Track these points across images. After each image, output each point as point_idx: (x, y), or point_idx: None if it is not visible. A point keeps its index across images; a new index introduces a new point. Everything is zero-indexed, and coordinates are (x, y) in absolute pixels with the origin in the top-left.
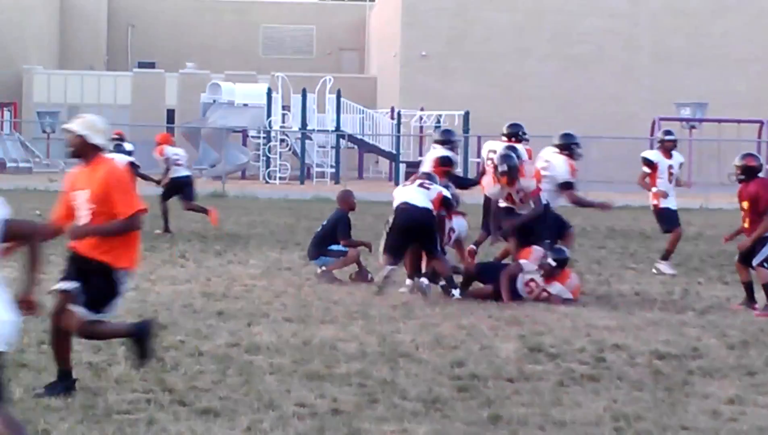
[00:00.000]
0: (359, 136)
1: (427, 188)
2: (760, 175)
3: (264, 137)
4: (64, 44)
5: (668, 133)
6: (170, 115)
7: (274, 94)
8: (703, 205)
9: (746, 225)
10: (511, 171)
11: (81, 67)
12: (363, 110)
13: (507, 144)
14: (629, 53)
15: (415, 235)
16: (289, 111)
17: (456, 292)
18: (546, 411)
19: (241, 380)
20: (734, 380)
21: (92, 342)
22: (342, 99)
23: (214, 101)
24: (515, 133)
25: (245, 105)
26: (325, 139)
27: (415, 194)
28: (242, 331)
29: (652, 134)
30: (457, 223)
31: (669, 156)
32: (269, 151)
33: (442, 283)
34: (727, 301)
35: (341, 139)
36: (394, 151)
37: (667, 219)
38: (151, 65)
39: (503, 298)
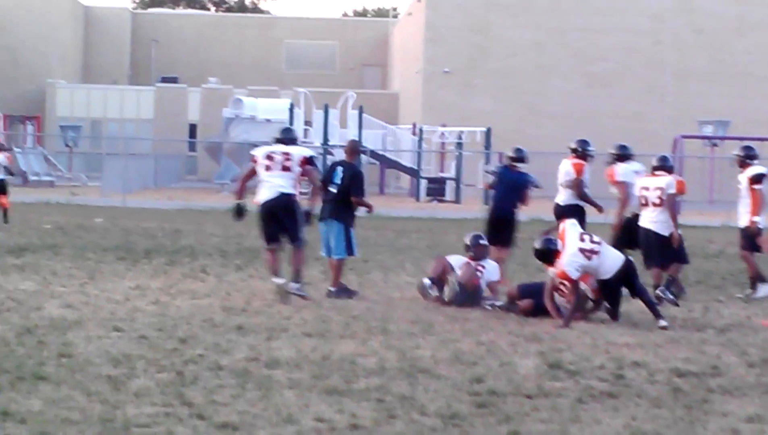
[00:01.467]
0: (381, 152)
1: None
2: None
3: None
4: (88, 59)
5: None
6: (192, 129)
7: (296, 110)
8: (724, 222)
9: None
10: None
11: (104, 81)
12: (385, 126)
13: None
14: (652, 71)
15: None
16: (311, 126)
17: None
18: (565, 428)
19: (260, 395)
20: (754, 398)
21: (111, 355)
22: (364, 114)
23: (237, 116)
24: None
25: (267, 120)
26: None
27: None
28: (261, 346)
29: (674, 152)
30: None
31: None
32: None
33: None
34: (748, 319)
35: (363, 155)
36: (415, 167)
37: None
38: (174, 80)
39: (552, 315)
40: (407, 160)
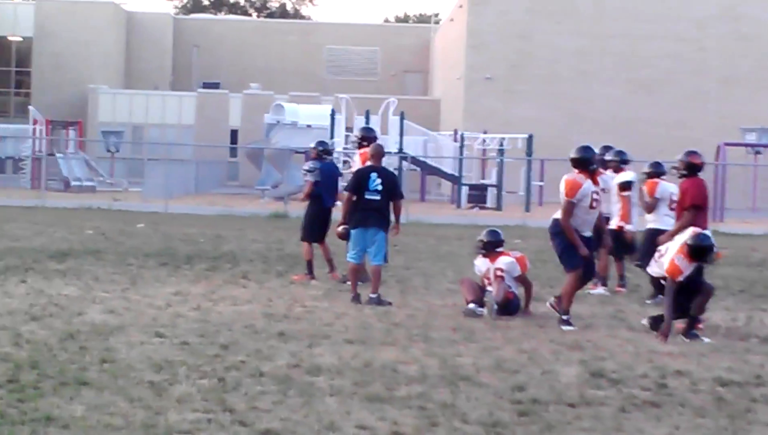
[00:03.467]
0: (422, 158)
1: None
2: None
3: None
4: (130, 64)
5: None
6: (234, 135)
7: (337, 116)
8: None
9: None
10: None
11: (146, 87)
12: (426, 132)
13: None
14: (695, 78)
15: None
16: (352, 132)
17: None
18: None
19: (302, 401)
20: None
21: (153, 361)
22: (405, 121)
23: (278, 122)
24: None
25: (309, 126)
26: (388, 160)
27: None
28: (303, 352)
29: (716, 159)
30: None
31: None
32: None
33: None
34: None
35: (404, 161)
36: (456, 174)
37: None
38: (216, 85)
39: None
40: (448, 167)
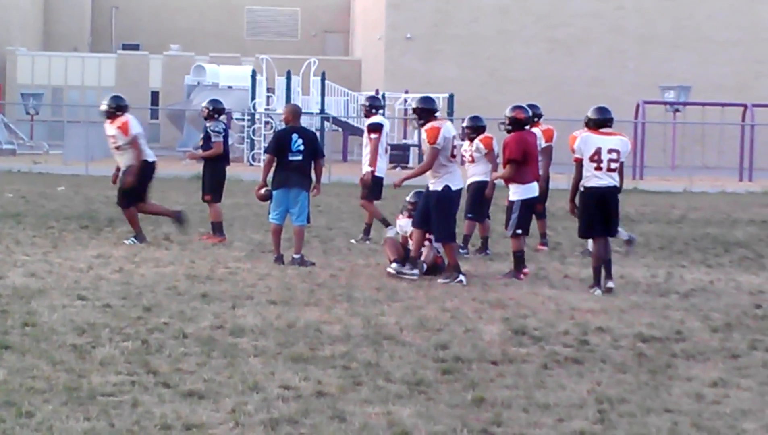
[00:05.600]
0: (344, 119)
1: None
2: (527, 128)
3: (248, 119)
4: (48, 26)
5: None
6: (154, 97)
7: (258, 77)
8: (686, 188)
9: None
10: None
11: (65, 48)
12: (348, 93)
13: None
14: (614, 36)
15: None
16: (273, 93)
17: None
18: (530, 393)
19: (226, 362)
20: (717, 363)
21: (76, 324)
22: (327, 81)
23: (199, 83)
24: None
25: (230, 87)
26: (309, 121)
27: None
28: (226, 314)
29: (636, 118)
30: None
31: None
32: (254, 134)
33: None
34: (711, 284)
35: (326, 122)
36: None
37: None
38: (136, 47)
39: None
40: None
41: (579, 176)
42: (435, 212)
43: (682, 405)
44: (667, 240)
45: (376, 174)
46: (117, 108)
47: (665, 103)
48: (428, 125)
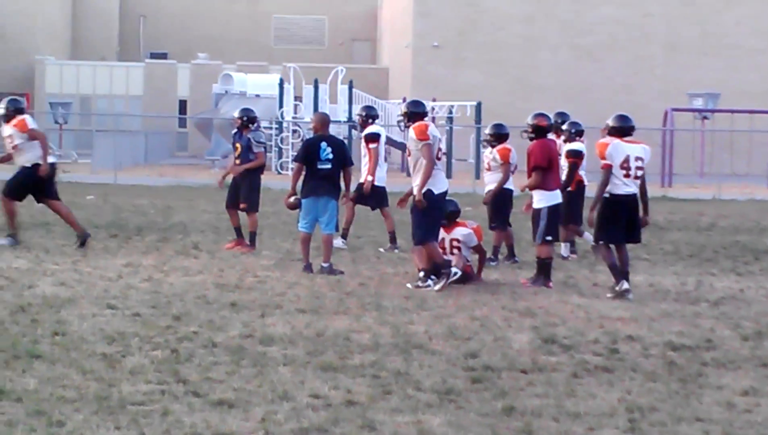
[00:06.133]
0: None
1: None
2: (549, 136)
3: (276, 128)
4: (76, 35)
5: None
6: (182, 105)
7: (286, 85)
8: (715, 195)
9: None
10: None
11: (93, 57)
12: (375, 101)
13: None
14: (641, 43)
15: None
16: (301, 102)
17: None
18: (560, 402)
19: (255, 371)
20: (748, 371)
21: (106, 333)
22: (354, 89)
23: (226, 92)
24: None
25: (257, 96)
26: (337, 129)
27: None
28: (255, 322)
29: (664, 125)
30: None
31: None
32: (281, 142)
33: None
34: (741, 292)
35: (353, 130)
36: (406, 142)
37: None
38: (163, 56)
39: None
40: (398, 135)
41: (607, 183)
42: (414, 214)
43: (713, 414)
44: (696, 248)
45: (376, 183)
46: (15, 110)
47: (693, 110)
48: (416, 123)
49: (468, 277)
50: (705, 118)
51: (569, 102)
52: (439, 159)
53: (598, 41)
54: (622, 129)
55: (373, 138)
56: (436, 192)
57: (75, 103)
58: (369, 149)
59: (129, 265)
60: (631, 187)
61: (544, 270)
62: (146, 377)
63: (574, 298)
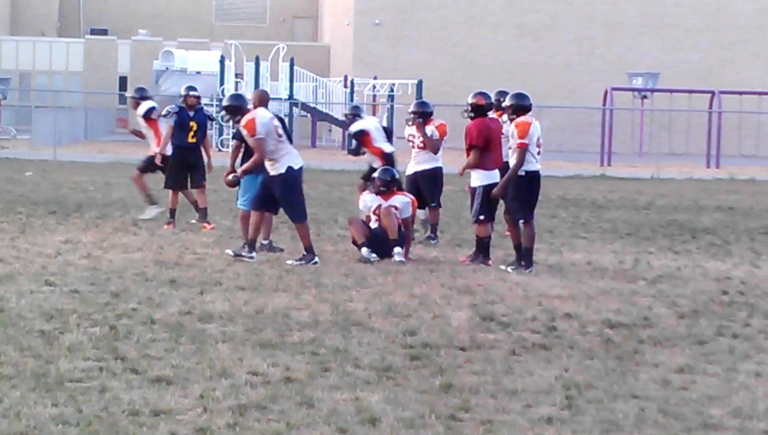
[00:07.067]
0: (312, 105)
1: None
2: (490, 114)
3: (217, 105)
4: (15, 10)
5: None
6: (123, 82)
7: (227, 62)
8: (654, 174)
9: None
10: None
11: (32, 33)
12: (316, 78)
13: None
14: (582, 23)
15: None
16: (242, 79)
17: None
18: (498, 379)
19: (194, 348)
20: (684, 349)
21: (44, 310)
22: (295, 67)
23: (167, 69)
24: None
25: (198, 73)
26: (278, 107)
27: None
28: (195, 300)
29: (604, 104)
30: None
31: None
32: (222, 119)
33: None
34: (678, 270)
35: (294, 108)
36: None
37: None
38: (104, 32)
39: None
40: (339, 113)
41: (523, 161)
42: (284, 195)
43: (649, 391)
44: (634, 226)
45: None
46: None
47: (633, 89)
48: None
49: (404, 239)
50: (644, 97)
51: (510, 81)
52: (280, 136)
53: (540, 20)
54: (527, 107)
55: (362, 134)
56: (295, 167)
57: (14, 79)
58: (369, 147)
59: (68, 241)
60: (539, 164)
61: (482, 248)
62: (84, 354)
63: (512, 276)
